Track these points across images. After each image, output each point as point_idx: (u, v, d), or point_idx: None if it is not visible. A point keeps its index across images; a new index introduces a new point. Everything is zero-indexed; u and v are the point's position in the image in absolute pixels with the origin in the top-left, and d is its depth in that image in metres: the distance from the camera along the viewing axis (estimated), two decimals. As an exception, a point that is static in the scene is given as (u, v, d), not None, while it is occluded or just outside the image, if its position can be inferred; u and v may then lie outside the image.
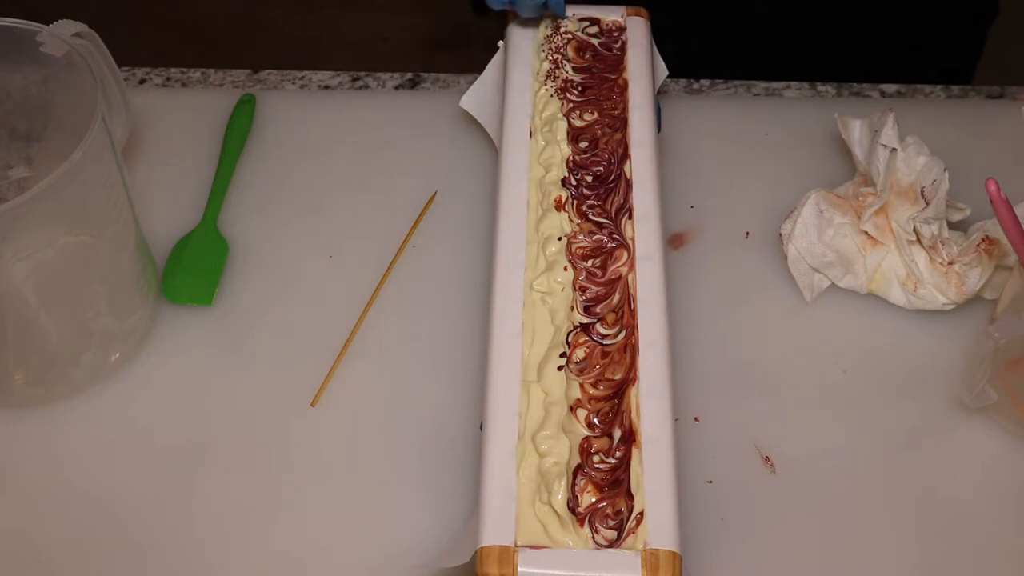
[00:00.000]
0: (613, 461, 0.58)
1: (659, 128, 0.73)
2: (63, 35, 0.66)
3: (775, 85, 0.89)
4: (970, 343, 0.72)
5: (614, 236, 0.67)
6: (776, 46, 0.95)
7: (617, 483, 0.57)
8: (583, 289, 0.65)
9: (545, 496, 0.57)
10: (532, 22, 0.78)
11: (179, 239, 0.78)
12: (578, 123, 0.72)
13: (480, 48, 0.84)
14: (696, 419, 0.69)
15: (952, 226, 0.73)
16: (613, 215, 0.68)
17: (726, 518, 0.65)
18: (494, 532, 0.55)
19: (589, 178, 0.70)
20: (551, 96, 0.74)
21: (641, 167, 0.70)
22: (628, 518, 0.56)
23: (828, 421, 0.69)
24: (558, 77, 0.75)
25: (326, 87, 0.89)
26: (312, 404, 0.70)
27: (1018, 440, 0.68)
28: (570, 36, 0.77)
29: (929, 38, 0.96)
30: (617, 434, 0.59)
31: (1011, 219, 0.63)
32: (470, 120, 0.82)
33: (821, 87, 0.89)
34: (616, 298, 0.64)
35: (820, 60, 0.92)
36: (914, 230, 0.71)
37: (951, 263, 0.71)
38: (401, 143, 0.83)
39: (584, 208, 0.68)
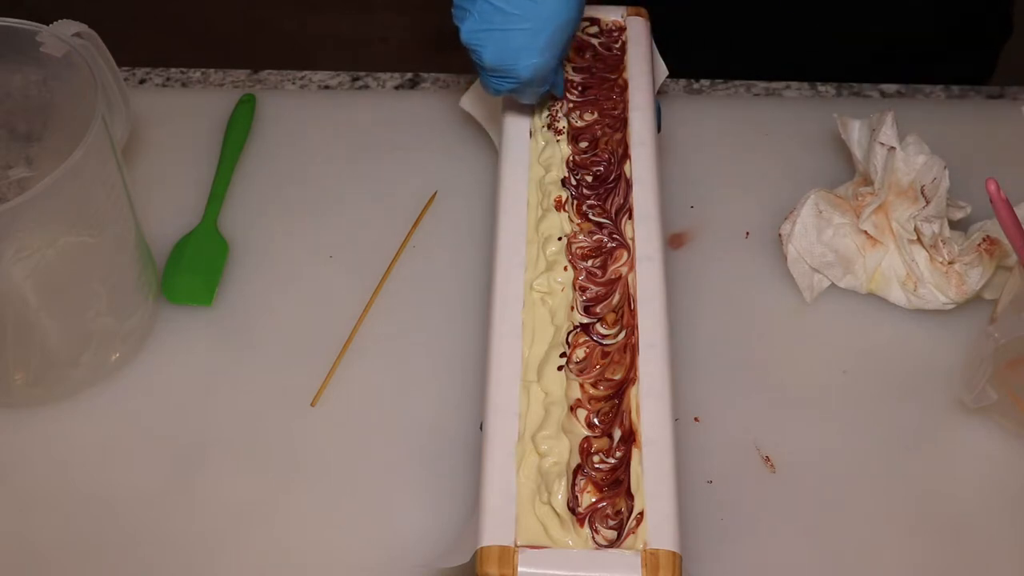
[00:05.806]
0: (613, 461, 0.58)
1: (659, 128, 0.73)
2: (63, 35, 0.66)
3: (775, 85, 0.89)
4: (970, 343, 0.72)
5: (614, 236, 0.67)
6: (776, 46, 0.95)
7: (617, 483, 0.57)
8: (583, 289, 0.64)
9: (545, 496, 0.57)
10: None
11: (179, 239, 0.78)
12: (578, 123, 0.72)
13: (480, 48, 0.84)
14: (696, 419, 0.69)
15: (952, 225, 0.73)
16: (613, 215, 0.67)
17: (726, 518, 0.65)
18: (494, 532, 0.55)
19: (589, 178, 0.69)
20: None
21: (641, 167, 0.70)
22: (628, 518, 0.56)
23: (828, 421, 0.69)
24: (558, 77, 0.75)
25: (326, 87, 0.89)
26: (312, 404, 0.70)
27: (1018, 440, 0.68)
28: (570, 36, 0.77)
29: (932, 39, 0.96)
30: (617, 434, 0.59)
31: (1011, 219, 0.63)
32: (470, 120, 0.82)
33: (821, 87, 0.89)
34: (616, 298, 0.64)
35: (820, 60, 0.92)
36: (915, 229, 0.71)
37: (951, 263, 0.71)
38: (401, 143, 0.83)
39: (584, 208, 0.68)
